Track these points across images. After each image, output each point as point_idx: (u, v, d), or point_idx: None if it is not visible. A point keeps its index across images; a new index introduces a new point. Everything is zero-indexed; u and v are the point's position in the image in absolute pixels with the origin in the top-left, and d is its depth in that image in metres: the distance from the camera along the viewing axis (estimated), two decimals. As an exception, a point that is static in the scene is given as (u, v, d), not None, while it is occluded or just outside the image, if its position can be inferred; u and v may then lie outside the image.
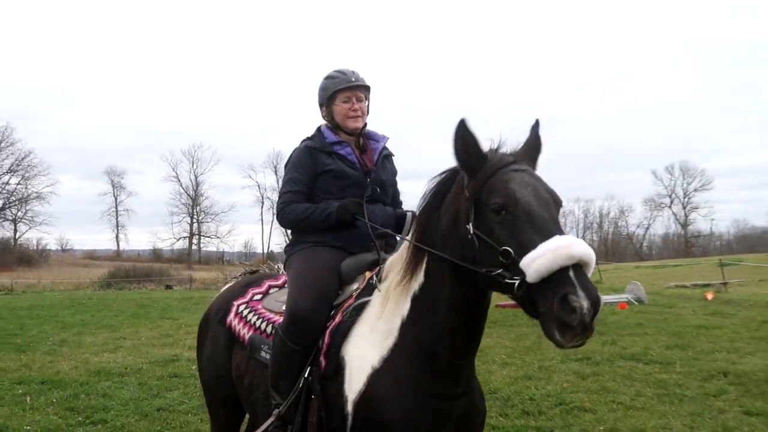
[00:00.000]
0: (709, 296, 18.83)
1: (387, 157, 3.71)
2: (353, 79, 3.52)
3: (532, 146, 2.76)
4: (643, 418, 6.53)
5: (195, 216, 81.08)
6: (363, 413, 2.76)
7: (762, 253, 64.48)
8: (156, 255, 76.92)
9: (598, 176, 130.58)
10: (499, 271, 2.39)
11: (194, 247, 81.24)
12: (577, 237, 2.41)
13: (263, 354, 3.28)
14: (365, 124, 3.63)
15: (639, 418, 6.57)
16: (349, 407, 2.80)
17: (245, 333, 3.49)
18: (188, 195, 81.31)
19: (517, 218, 2.40)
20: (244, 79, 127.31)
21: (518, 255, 2.33)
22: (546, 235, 2.31)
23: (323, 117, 3.67)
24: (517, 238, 2.38)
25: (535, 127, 2.80)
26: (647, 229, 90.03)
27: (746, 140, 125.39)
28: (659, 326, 12.93)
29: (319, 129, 3.65)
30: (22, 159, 67.05)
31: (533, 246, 2.29)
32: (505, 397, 7.42)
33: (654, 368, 8.92)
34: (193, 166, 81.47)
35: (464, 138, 2.58)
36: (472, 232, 2.50)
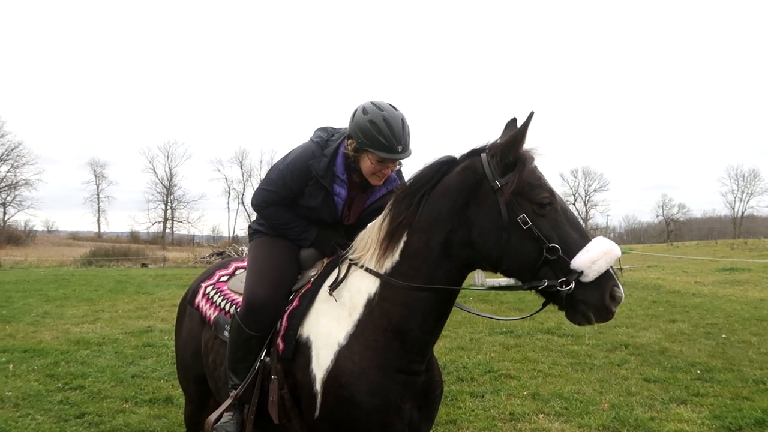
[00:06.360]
0: (608, 279, 19.17)
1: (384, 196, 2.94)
2: (399, 150, 2.71)
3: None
4: (560, 384, 6.50)
5: (169, 203, 78.65)
6: (332, 390, 2.46)
7: (647, 243, 66.92)
8: (133, 237, 74.13)
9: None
10: (546, 282, 2.29)
11: (168, 230, 78.79)
12: None
13: (226, 333, 2.95)
14: None
15: (557, 384, 6.53)
16: (318, 386, 2.50)
17: (211, 313, 3.17)
18: (163, 185, 78.71)
19: (559, 214, 2.33)
20: (215, 85, 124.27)
21: (565, 253, 2.26)
22: (585, 236, 2.30)
23: (346, 147, 2.81)
24: (560, 236, 2.29)
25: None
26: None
27: (636, 152, 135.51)
28: (569, 304, 13.02)
29: (336, 150, 2.83)
30: (12, 149, 63.59)
31: (577, 246, 2.25)
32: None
33: (567, 340, 8.93)
34: (168, 159, 78.82)
35: (526, 133, 2.35)
36: (529, 223, 2.30)
